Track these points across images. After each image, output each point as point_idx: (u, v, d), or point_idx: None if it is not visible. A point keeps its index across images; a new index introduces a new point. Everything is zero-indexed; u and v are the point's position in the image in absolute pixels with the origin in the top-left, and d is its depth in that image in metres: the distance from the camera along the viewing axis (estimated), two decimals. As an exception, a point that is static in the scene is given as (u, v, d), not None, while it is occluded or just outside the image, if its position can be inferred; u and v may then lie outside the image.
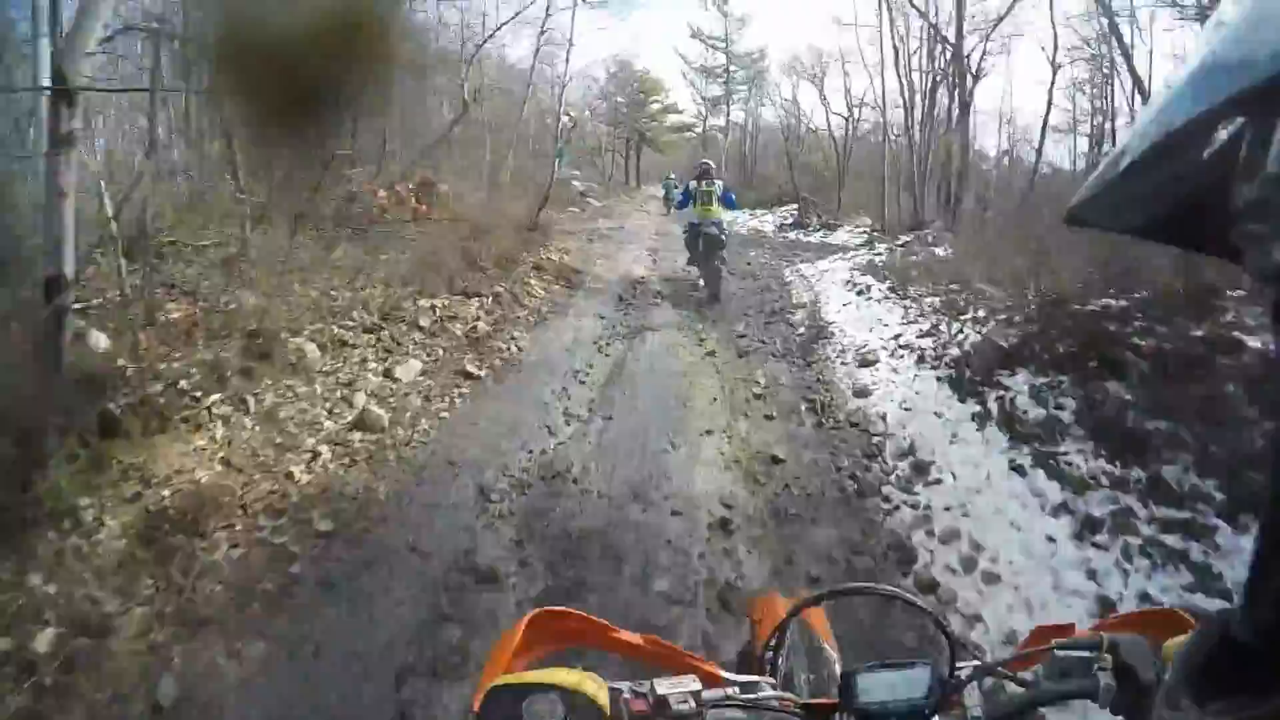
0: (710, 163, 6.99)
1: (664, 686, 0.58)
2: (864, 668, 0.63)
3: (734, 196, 6.92)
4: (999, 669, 0.65)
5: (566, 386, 4.45)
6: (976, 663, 0.66)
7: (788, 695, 0.67)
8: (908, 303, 5.76)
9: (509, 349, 5.11)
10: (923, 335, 4.86)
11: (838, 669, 0.92)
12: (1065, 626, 0.72)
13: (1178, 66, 0.30)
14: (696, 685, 0.59)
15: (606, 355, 5.18)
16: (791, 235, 13.45)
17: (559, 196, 15.59)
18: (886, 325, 5.40)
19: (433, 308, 5.32)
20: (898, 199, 12.56)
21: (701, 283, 6.78)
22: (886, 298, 6.14)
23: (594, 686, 0.56)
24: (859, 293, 6.55)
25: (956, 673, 0.64)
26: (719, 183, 6.72)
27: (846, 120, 17.50)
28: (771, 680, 0.71)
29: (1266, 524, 0.30)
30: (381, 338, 4.63)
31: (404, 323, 4.94)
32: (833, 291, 6.96)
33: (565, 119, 13.63)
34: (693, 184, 6.80)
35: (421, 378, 4.34)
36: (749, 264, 9.59)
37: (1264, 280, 0.27)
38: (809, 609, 0.92)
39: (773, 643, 0.83)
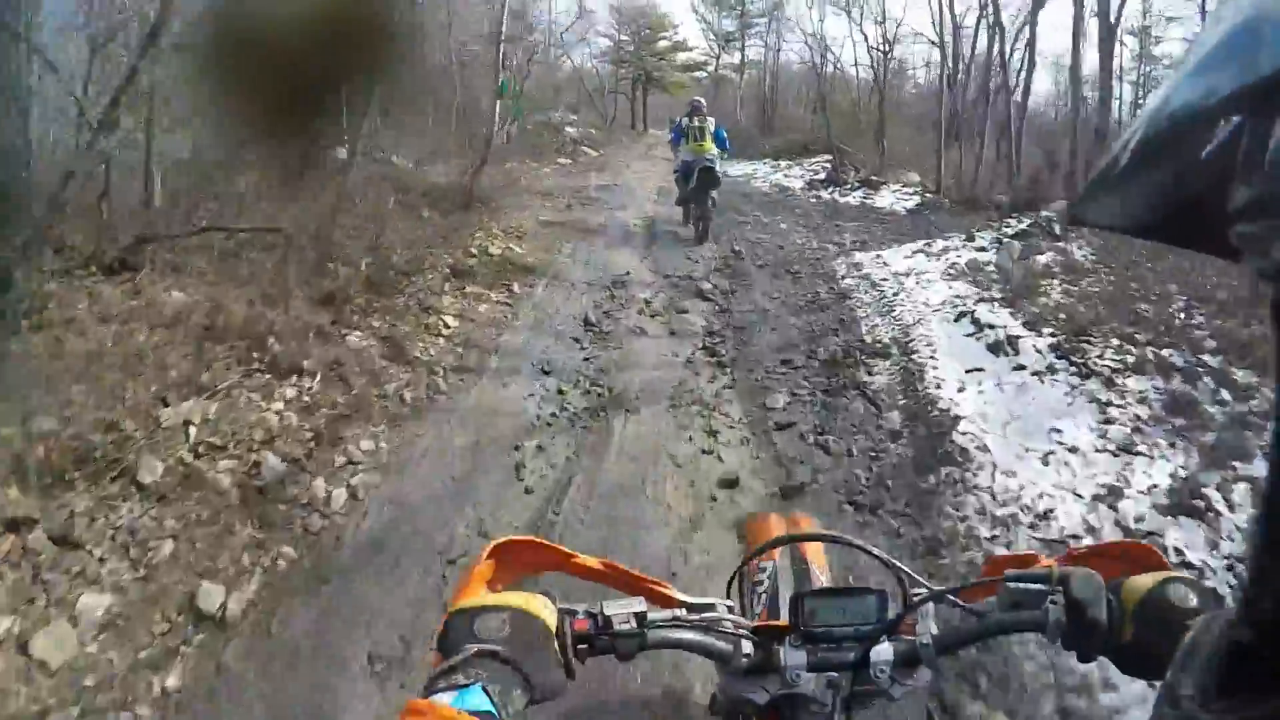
0: (701, 100, 6.67)
1: (611, 607, 0.62)
2: (814, 592, 0.68)
3: (726, 136, 6.60)
4: (950, 596, 0.65)
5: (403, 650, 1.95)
6: (925, 591, 0.66)
7: (738, 618, 0.69)
8: (1103, 392, 2.93)
9: (320, 514, 2.44)
10: (1182, 512, 2.16)
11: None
12: (1023, 557, 0.71)
13: (1177, 64, 0.30)
14: (641, 607, 0.63)
15: (528, 490, 2.65)
16: (825, 195, 10.56)
17: (548, 146, 13.69)
18: (1089, 465, 2.53)
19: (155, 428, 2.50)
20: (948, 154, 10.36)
21: (693, 227, 6.50)
22: (1053, 370, 3.20)
23: (540, 605, 0.59)
24: (992, 347, 3.55)
25: (912, 598, 0.66)
26: (710, 120, 6.40)
27: (884, 56, 14.95)
28: (729, 603, 0.71)
29: (1265, 524, 0.29)
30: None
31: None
32: (936, 332, 3.95)
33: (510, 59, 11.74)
34: (684, 121, 6.50)
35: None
36: (780, 243, 6.87)
37: (1264, 280, 0.26)
38: (790, 543, 1.00)
39: (744, 566, 0.85)
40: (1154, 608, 0.56)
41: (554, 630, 0.59)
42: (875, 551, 0.70)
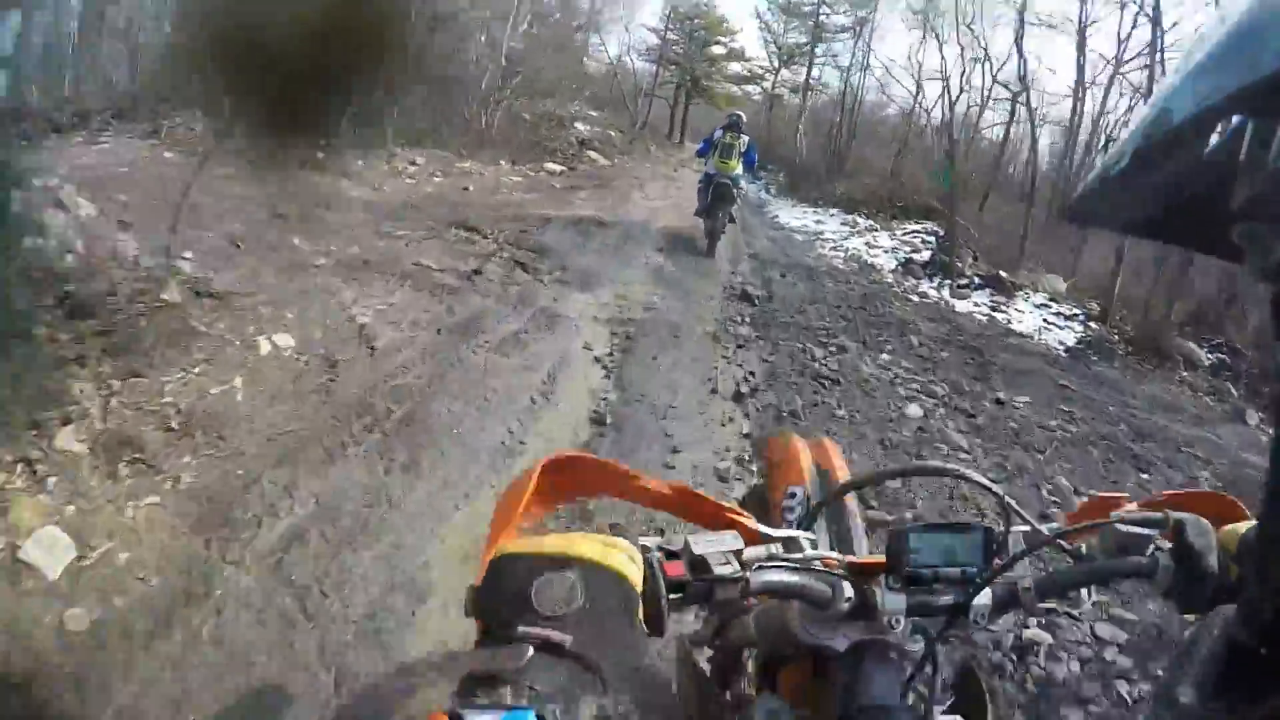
0: (740, 115, 6.49)
1: (701, 545, 0.51)
2: (915, 526, 0.59)
3: (755, 155, 6.55)
4: (1056, 539, 0.60)
5: None
6: (1029, 529, 0.61)
7: (832, 555, 0.60)
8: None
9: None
10: None
11: (859, 523, 0.84)
12: (1119, 498, 0.66)
13: (1179, 64, 0.30)
14: (738, 543, 0.53)
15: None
16: (933, 293, 6.99)
17: (545, 143, 10.98)
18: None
19: None
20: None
21: (706, 240, 6.44)
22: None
23: (620, 559, 0.46)
24: None
25: (1010, 540, 0.60)
26: (744, 138, 6.29)
27: (1020, 98, 11.72)
28: (811, 536, 0.62)
29: (1266, 524, 0.30)
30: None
31: None
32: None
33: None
34: (718, 133, 6.39)
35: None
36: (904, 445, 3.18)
37: (1264, 279, 0.27)
38: (824, 453, 0.94)
39: (805, 506, 0.80)
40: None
41: (641, 587, 0.47)
42: (981, 480, 0.63)
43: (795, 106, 20.88)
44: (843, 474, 0.95)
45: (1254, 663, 0.29)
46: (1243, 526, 0.57)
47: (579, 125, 13.27)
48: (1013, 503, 0.60)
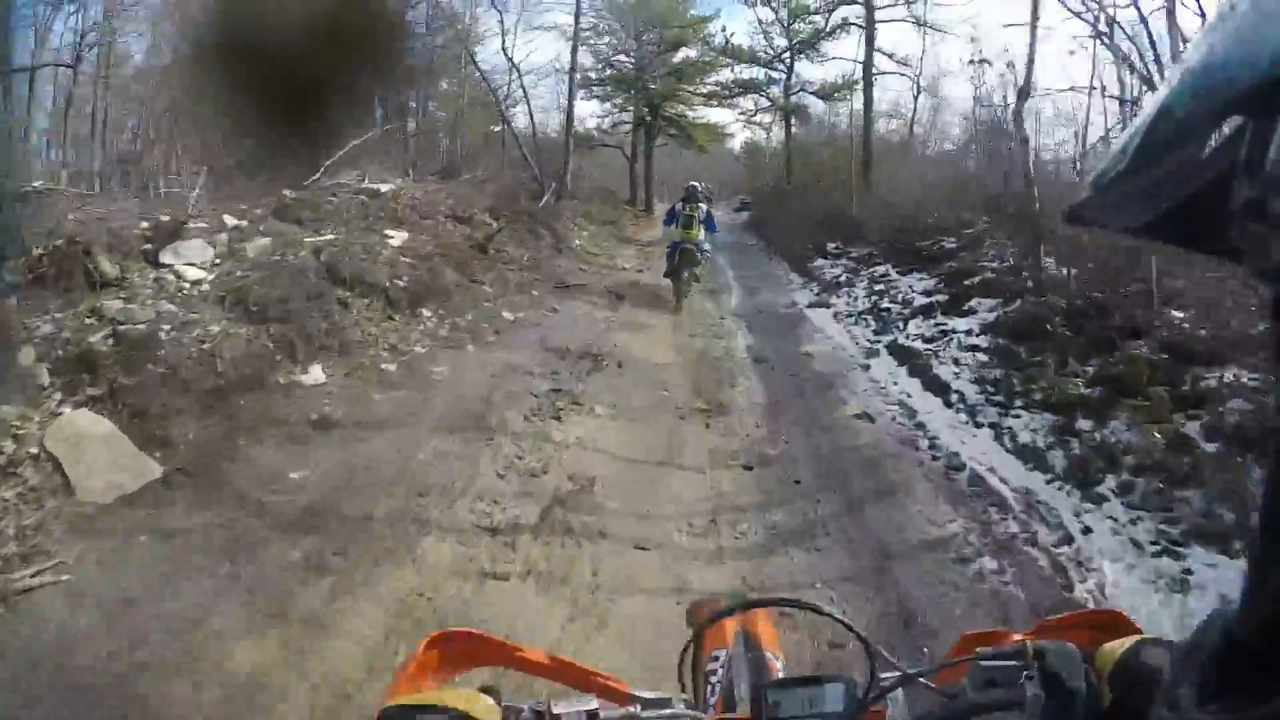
0: (697, 185, 7.52)
1: (561, 706, 0.58)
2: (776, 682, 0.65)
3: (715, 222, 7.57)
4: (921, 679, 0.64)
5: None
6: (897, 674, 0.65)
7: (698, 714, 0.66)
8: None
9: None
10: None
11: (780, 675, 0.91)
12: (993, 634, 0.69)
13: (1179, 64, 0.29)
14: (594, 704, 0.60)
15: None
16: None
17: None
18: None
19: None
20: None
21: (674, 297, 7.43)
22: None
23: (484, 707, 0.55)
24: None
25: (880, 683, 0.63)
26: (703, 207, 7.28)
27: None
28: (686, 698, 0.69)
29: (1265, 524, 0.29)
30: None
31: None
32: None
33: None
34: (678, 206, 7.43)
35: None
36: None
37: (1264, 280, 0.27)
38: (751, 617, 0.98)
39: (685, 654, 0.83)
40: (1129, 672, 0.56)
41: None
42: (843, 618, 0.67)
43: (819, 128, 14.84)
44: (767, 628, 1.03)
45: (1254, 663, 0.29)
46: (1121, 645, 0.58)
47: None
48: (877, 646, 0.63)
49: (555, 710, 0.58)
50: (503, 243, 7.65)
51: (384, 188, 7.40)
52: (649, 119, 14.75)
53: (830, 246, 10.02)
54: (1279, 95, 0.23)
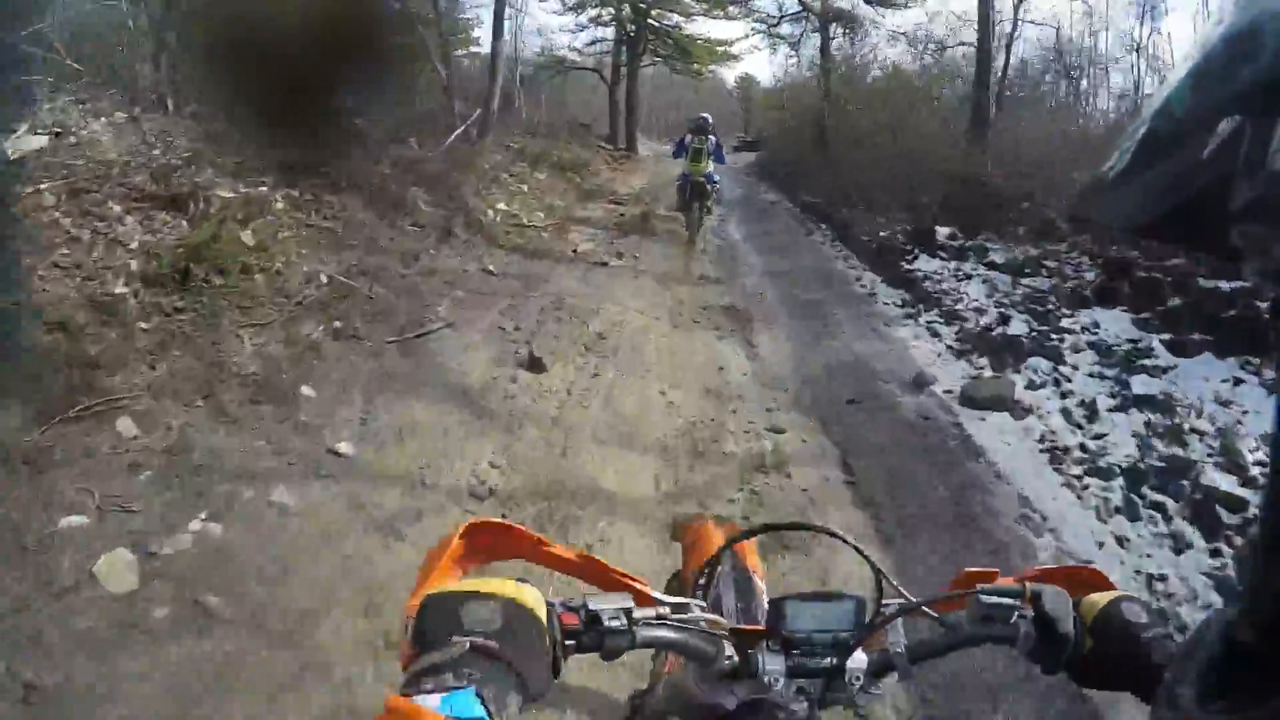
0: (707, 116, 7.35)
1: (596, 602, 0.60)
2: (792, 596, 0.66)
3: (724, 153, 7.55)
4: (923, 608, 0.66)
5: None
6: (901, 601, 0.67)
7: (717, 618, 0.69)
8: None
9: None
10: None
11: (764, 599, 0.95)
12: (989, 573, 0.72)
13: (1179, 64, 0.30)
14: (629, 603, 0.60)
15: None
16: None
17: None
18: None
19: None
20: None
21: (687, 231, 7.35)
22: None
23: (531, 597, 0.56)
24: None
25: (882, 609, 0.66)
26: (711, 138, 7.16)
27: None
28: (702, 604, 0.71)
29: (1266, 524, 0.29)
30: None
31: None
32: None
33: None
34: (686, 138, 7.29)
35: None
36: None
37: (1264, 280, 0.27)
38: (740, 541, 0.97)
39: (705, 571, 0.83)
40: (1110, 623, 0.61)
41: (545, 624, 0.56)
42: (853, 543, 0.69)
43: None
44: (753, 554, 1.05)
45: (1254, 663, 0.29)
46: (1103, 598, 0.64)
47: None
48: (884, 573, 0.66)
49: (593, 606, 0.59)
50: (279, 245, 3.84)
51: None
52: (633, 32, 10.94)
53: (943, 234, 6.48)
54: (1279, 95, 0.23)
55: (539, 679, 0.53)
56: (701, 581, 0.85)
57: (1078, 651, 0.62)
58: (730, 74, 16.17)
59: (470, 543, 0.65)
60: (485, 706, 0.46)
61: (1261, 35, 0.24)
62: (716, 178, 7.45)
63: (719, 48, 12.16)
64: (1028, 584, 0.65)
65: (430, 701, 0.45)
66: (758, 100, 16.72)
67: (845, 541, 0.70)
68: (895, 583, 0.67)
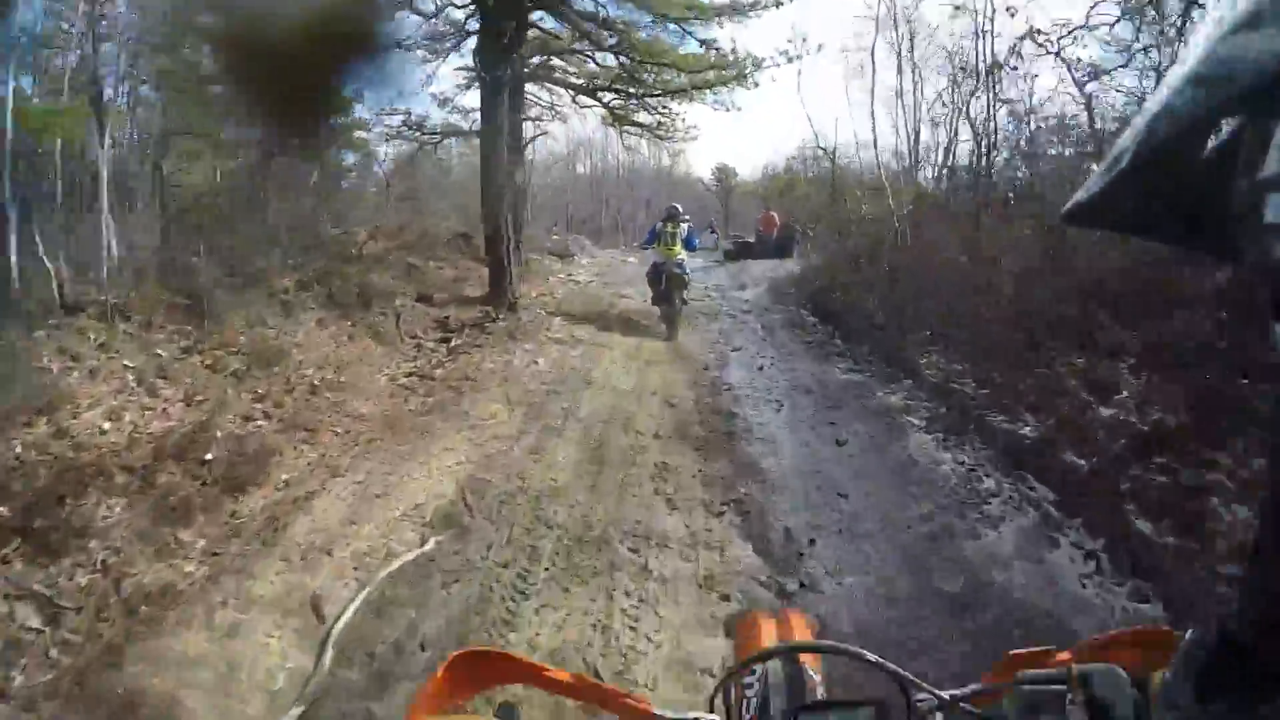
0: (678, 206, 7.44)
1: None
2: (808, 705, 0.65)
3: (696, 240, 7.60)
4: (961, 704, 0.61)
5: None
6: (933, 699, 0.62)
7: None
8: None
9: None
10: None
11: (819, 693, 0.88)
12: (1038, 653, 0.65)
13: (1178, 65, 0.29)
14: None
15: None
16: None
17: None
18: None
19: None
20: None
21: (664, 325, 7.06)
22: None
23: None
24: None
25: (916, 706, 0.61)
26: (684, 225, 7.17)
27: None
28: (714, 718, 0.66)
29: (1265, 526, 0.30)
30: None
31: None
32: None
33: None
34: (659, 225, 7.27)
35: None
36: None
37: (1263, 280, 0.26)
38: (789, 629, 0.98)
39: (736, 672, 0.81)
40: None
41: None
42: (874, 659, 0.65)
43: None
44: (809, 654, 1.01)
45: (1254, 663, 0.29)
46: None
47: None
48: (911, 676, 0.62)
49: None
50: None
51: None
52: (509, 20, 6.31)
53: None
54: (1279, 95, 0.23)
55: None
56: (744, 681, 0.83)
57: None
58: (705, 166, 14.99)
59: (462, 671, 0.64)
60: None
61: (1261, 36, 0.24)
62: (689, 268, 7.28)
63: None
64: (1075, 665, 0.56)
65: None
66: (736, 191, 14.61)
67: (866, 660, 0.65)
68: (924, 683, 0.62)
